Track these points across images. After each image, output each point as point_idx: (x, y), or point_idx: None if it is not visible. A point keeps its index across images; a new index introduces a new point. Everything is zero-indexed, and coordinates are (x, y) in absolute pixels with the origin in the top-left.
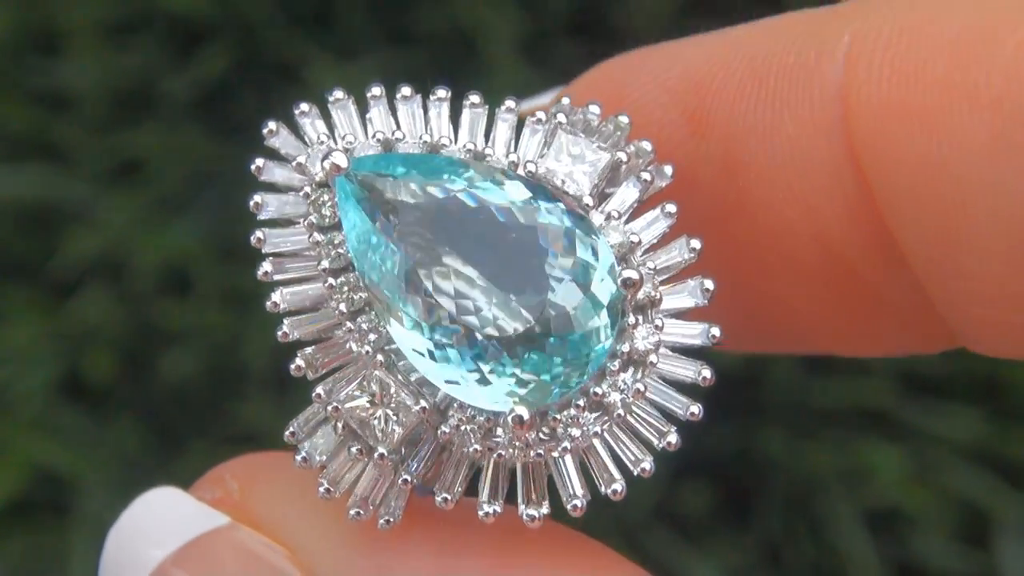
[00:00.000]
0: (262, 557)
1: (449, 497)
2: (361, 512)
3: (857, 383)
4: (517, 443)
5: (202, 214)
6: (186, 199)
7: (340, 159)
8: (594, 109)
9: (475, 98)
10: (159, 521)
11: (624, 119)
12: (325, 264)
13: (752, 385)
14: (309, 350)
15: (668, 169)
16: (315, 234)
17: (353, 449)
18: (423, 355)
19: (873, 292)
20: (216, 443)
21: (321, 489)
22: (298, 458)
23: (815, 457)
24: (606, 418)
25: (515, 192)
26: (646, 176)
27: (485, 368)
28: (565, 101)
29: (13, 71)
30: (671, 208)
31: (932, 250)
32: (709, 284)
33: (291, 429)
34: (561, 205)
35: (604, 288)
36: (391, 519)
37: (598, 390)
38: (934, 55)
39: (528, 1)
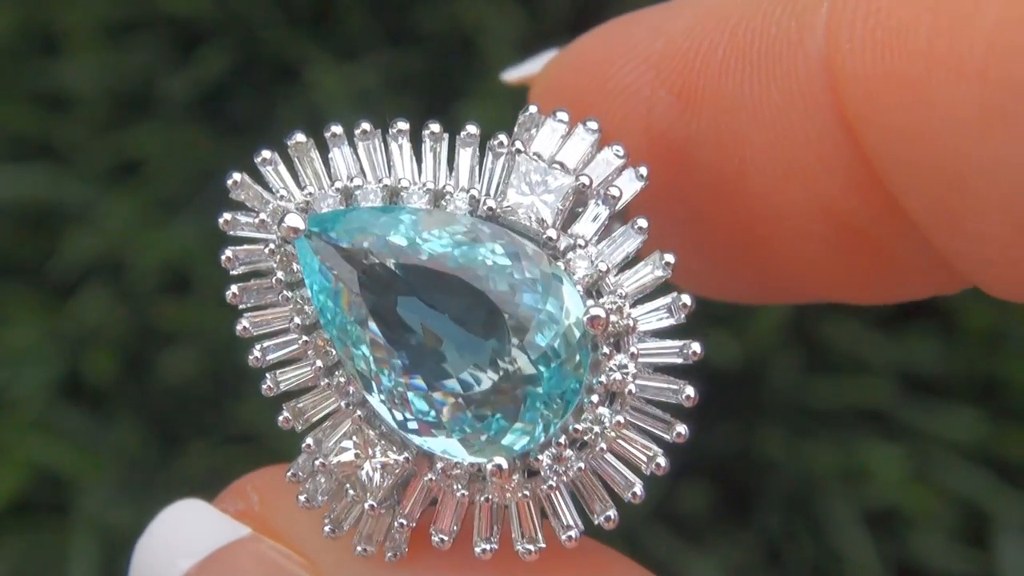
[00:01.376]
0: (282, 567)
1: (446, 538)
2: (367, 549)
3: (857, 383)
4: (504, 486)
5: (202, 214)
6: (186, 199)
7: (296, 221)
8: (562, 116)
9: (434, 127)
10: (185, 532)
11: (593, 124)
12: (297, 321)
13: (752, 385)
14: (295, 402)
15: (643, 170)
16: (285, 291)
17: (351, 492)
18: (397, 410)
19: (882, 248)
20: (216, 443)
21: (326, 529)
22: (301, 499)
23: (815, 457)
24: (590, 451)
25: (473, 241)
26: (614, 192)
27: (458, 423)
28: (532, 110)
29: (13, 71)
30: (642, 223)
31: (935, 213)
32: (686, 299)
33: (292, 471)
34: (521, 249)
35: (572, 327)
36: (397, 553)
37: (578, 427)
38: (915, 22)
39: (528, 1)
